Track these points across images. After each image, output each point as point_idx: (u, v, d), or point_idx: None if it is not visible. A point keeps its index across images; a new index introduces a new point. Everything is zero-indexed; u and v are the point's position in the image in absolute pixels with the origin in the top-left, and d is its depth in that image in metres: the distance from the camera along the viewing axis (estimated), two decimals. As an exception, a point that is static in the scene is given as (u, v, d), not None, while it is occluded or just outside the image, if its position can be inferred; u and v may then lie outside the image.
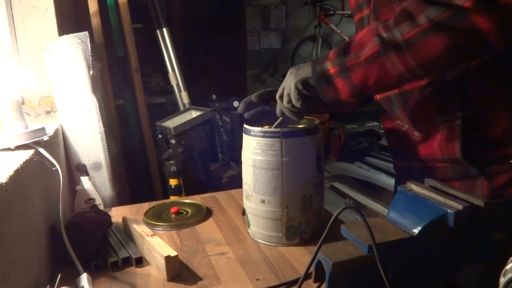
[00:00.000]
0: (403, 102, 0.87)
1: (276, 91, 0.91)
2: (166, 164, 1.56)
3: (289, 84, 0.82)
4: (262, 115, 0.98)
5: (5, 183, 0.68)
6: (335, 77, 0.75)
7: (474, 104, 0.78)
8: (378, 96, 0.93)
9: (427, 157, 0.89)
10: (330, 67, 0.75)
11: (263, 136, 0.88)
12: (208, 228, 1.05)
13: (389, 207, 0.74)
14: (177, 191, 1.57)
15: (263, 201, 0.91)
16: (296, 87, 0.80)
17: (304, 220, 0.92)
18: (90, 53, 1.24)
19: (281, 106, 0.87)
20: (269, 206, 0.91)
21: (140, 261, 0.88)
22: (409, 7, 0.67)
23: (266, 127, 0.92)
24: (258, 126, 0.91)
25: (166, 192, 1.73)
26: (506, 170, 0.79)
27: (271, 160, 0.88)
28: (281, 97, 0.86)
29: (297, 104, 0.82)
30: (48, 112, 1.33)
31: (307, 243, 0.93)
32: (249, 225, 0.98)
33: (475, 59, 0.75)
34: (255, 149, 0.90)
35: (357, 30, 1.02)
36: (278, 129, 0.88)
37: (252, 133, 0.91)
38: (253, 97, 0.96)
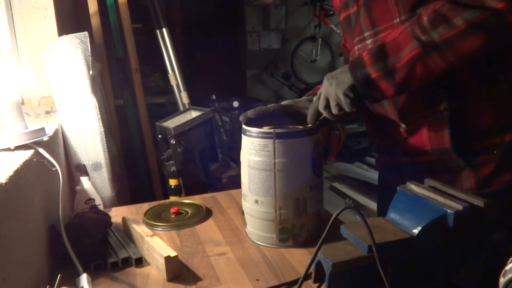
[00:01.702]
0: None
1: (271, 108, 0.97)
2: (166, 164, 1.56)
3: (334, 93, 0.84)
4: (264, 116, 0.98)
5: (5, 183, 0.68)
6: (379, 81, 0.79)
7: (460, 96, 0.82)
8: None
9: (416, 150, 0.91)
10: (372, 72, 0.79)
11: (257, 137, 0.89)
12: (208, 229, 1.05)
13: (389, 208, 0.74)
14: (177, 191, 1.57)
15: (257, 201, 0.91)
16: (347, 96, 0.82)
17: (297, 223, 0.91)
18: (90, 53, 1.24)
19: (330, 116, 0.88)
20: (263, 207, 0.91)
21: (140, 262, 0.88)
22: (442, 10, 0.73)
23: (265, 128, 0.91)
24: (259, 126, 0.91)
25: (166, 192, 1.73)
26: (491, 160, 0.83)
27: (264, 161, 0.88)
28: (327, 107, 0.87)
29: (351, 110, 0.84)
30: (47, 112, 1.33)
31: (301, 246, 0.92)
32: (245, 224, 0.99)
33: (500, 44, 0.79)
34: (249, 149, 0.90)
35: (342, 29, 1.05)
36: (271, 130, 0.88)
37: (247, 133, 0.91)
38: (249, 113, 0.96)
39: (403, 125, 0.91)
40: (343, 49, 1.13)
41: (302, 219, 0.91)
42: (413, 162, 0.93)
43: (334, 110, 0.86)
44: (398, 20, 0.82)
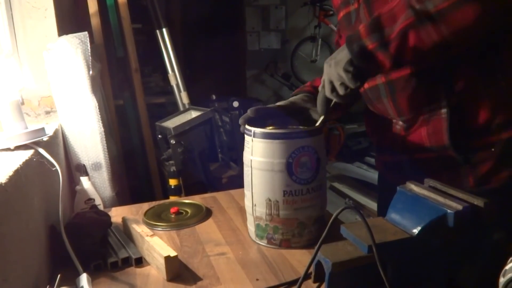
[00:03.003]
0: (391, 91, 0.90)
1: (274, 107, 0.97)
2: (166, 164, 1.56)
3: (335, 73, 0.81)
4: (268, 116, 0.98)
5: (5, 183, 0.68)
6: (375, 52, 0.77)
7: (459, 94, 0.82)
8: (366, 85, 0.94)
9: (415, 148, 0.91)
10: (368, 43, 0.77)
11: (245, 134, 0.93)
12: (207, 228, 1.05)
13: (389, 207, 0.74)
14: (177, 191, 1.57)
15: (245, 194, 0.97)
16: (348, 71, 0.79)
17: (270, 224, 0.92)
18: (89, 53, 1.24)
19: (338, 98, 0.85)
20: (246, 200, 0.96)
21: (140, 261, 0.88)
22: None
23: (269, 128, 0.92)
24: (262, 126, 0.92)
25: (166, 192, 1.73)
26: (489, 158, 0.83)
27: (246, 157, 0.93)
28: (334, 90, 0.84)
29: (355, 85, 0.81)
30: (47, 112, 1.33)
31: (277, 247, 0.92)
32: None
33: (501, 26, 0.78)
34: (244, 144, 0.95)
35: (341, 28, 1.04)
36: (251, 128, 0.90)
37: (245, 130, 0.95)
38: (249, 112, 0.96)
39: (400, 122, 0.91)
40: (336, 47, 1.12)
41: (275, 222, 0.91)
42: (413, 160, 0.93)
43: (340, 90, 0.82)
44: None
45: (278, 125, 0.96)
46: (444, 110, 0.83)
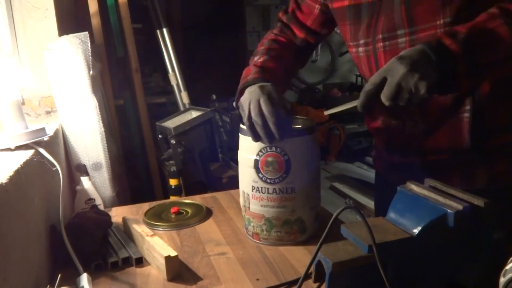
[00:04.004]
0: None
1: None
2: (166, 164, 1.56)
3: (413, 85, 0.71)
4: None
5: (5, 183, 0.68)
6: (463, 79, 0.72)
7: (483, 96, 0.81)
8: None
9: (430, 149, 0.89)
10: (460, 68, 0.71)
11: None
12: (208, 228, 1.05)
13: (389, 207, 0.74)
14: (177, 191, 1.57)
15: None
16: (430, 93, 0.72)
17: (246, 215, 0.97)
18: (90, 53, 1.24)
19: (388, 104, 0.74)
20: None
21: (140, 261, 0.88)
22: None
23: None
24: None
25: (166, 192, 1.73)
26: (504, 157, 0.84)
27: (238, 152, 0.97)
28: (396, 98, 0.73)
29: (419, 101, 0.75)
30: (48, 112, 1.33)
31: (251, 239, 0.97)
32: None
33: None
34: None
35: (341, 18, 0.95)
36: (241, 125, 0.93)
37: None
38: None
39: (421, 125, 0.88)
40: (286, 16, 1.05)
41: (248, 214, 0.96)
42: (426, 161, 0.91)
43: (402, 102, 0.73)
44: (441, 22, 0.78)
45: None
46: (466, 114, 0.82)
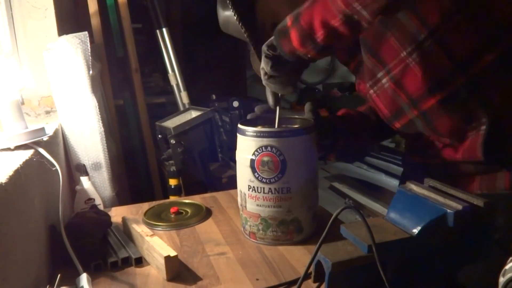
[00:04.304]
0: (427, 122, 0.85)
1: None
2: (166, 164, 1.56)
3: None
4: (260, 117, 1.02)
5: (5, 183, 0.68)
6: (291, 28, 0.76)
7: (497, 107, 0.79)
8: (398, 125, 0.90)
9: (447, 156, 0.88)
10: (288, 20, 0.77)
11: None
12: (207, 228, 1.05)
13: (388, 207, 0.74)
14: (177, 191, 1.57)
15: None
16: (263, 51, 0.80)
17: (243, 215, 0.97)
18: (90, 53, 1.24)
19: (265, 85, 0.87)
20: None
21: (140, 261, 0.88)
22: None
23: (259, 127, 0.95)
24: (255, 125, 0.95)
25: (166, 192, 1.73)
26: None
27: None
28: (261, 77, 0.86)
29: (268, 69, 0.82)
30: (47, 112, 1.33)
31: (249, 238, 0.97)
32: None
33: None
34: None
35: (355, 74, 1.02)
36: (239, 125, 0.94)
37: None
38: (257, 110, 1.01)
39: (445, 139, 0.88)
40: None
41: (244, 213, 0.97)
42: (446, 164, 0.89)
43: (262, 74, 0.84)
44: (405, 53, 0.80)
45: (266, 124, 0.99)
46: (483, 127, 0.79)
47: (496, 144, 0.80)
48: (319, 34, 0.74)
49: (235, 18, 0.88)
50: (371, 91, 0.91)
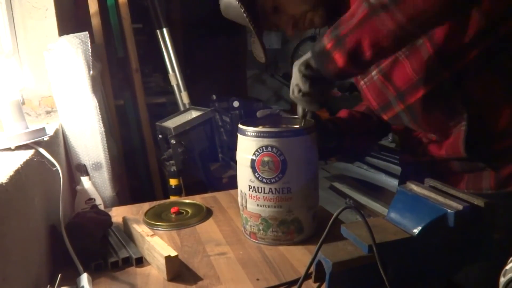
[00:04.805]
0: (412, 116, 0.88)
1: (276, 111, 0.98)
2: (166, 164, 1.56)
3: (295, 74, 0.83)
4: (263, 118, 1.04)
5: (5, 183, 0.68)
6: (332, 51, 0.76)
7: (478, 103, 0.80)
8: (385, 117, 0.94)
9: (434, 153, 0.90)
10: (327, 43, 0.77)
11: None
12: (208, 228, 1.05)
13: (389, 207, 0.74)
14: (177, 191, 1.57)
15: None
16: (300, 70, 0.81)
17: (243, 215, 0.97)
18: (90, 53, 1.24)
19: (296, 100, 0.87)
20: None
21: (140, 261, 0.88)
22: None
23: (260, 127, 0.95)
24: (256, 125, 0.95)
25: (166, 192, 1.73)
26: (510, 161, 0.82)
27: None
28: (293, 92, 0.86)
29: (306, 88, 0.82)
30: (48, 112, 1.33)
31: (249, 238, 0.97)
32: None
33: (460, 11, 0.75)
34: None
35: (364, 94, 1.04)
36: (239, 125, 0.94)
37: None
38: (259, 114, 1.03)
39: (431, 135, 0.91)
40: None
41: (245, 213, 0.96)
42: (434, 162, 0.92)
43: (295, 91, 0.84)
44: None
45: (267, 124, 1.00)
46: (463, 123, 0.81)
47: (479, 141, 0.82)
48: (368, 55, 0.74)
49: (237, 1, 0.88)
50: (362, 82, 0.94)
